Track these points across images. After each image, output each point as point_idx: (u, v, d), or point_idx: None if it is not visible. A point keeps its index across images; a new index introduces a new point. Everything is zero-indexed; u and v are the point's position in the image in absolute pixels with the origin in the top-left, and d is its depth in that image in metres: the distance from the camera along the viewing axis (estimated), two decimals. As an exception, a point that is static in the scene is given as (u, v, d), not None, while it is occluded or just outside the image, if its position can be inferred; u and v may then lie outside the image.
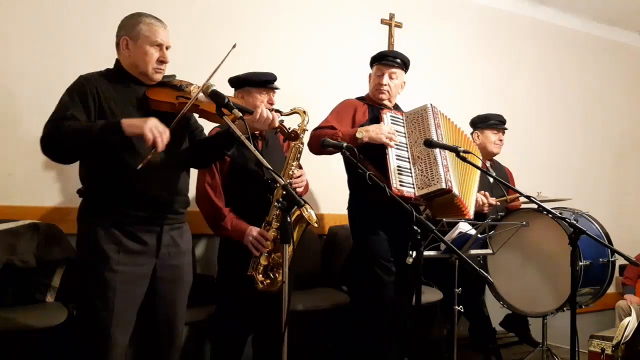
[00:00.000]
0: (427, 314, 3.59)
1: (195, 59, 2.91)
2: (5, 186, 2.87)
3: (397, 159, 2.80)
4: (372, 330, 2.83)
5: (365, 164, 2.56)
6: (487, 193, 3.36)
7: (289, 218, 1.83)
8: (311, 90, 3.69)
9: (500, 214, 3.41)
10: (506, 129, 3.71)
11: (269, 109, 2.32)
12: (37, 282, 2.69)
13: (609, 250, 3.27)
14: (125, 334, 2.04)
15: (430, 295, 3.41)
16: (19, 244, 2.64)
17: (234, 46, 2.03)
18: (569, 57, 5.22)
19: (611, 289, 3.69)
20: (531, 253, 3.29)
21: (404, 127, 2.93)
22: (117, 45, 2.13)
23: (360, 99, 3.06)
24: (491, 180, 3.45)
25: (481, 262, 3.40)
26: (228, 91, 2.52)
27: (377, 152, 2.78)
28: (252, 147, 1.91)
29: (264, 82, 2.67)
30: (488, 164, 3.65)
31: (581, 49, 5.31)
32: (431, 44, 4.39)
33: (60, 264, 2.74)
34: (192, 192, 2.33)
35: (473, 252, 2.94)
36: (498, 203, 3.44)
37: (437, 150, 2.77)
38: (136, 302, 2.06)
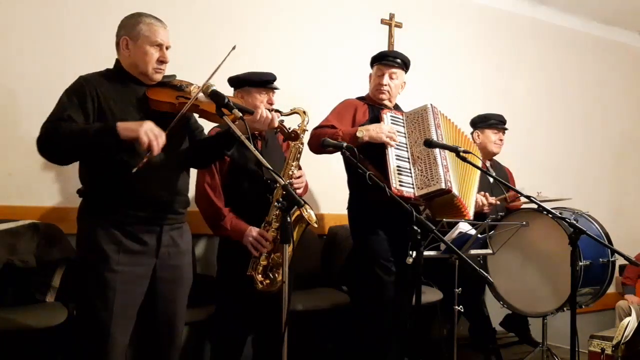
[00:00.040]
0: (427, 314, 3.59)
1: (195, 59, 2.91)
2: (5, 186, 2.87)
3: (397, 159, 2.80)
4: (372, 330, 2.83)
5: (365, 164, 2.56)
6: (487, 194, 3.37)
7: (288, 218, 1.83)
8: (311, 90, 3.69)
9: (500, 214, 3.41)
10: (506, 129, 3.71)
11: (269, 109, 2.32)
12: (37, 282, 2.69)
13: (609, 250, 3.27)
14: (125, 334, 2.04)
15: (430, 295, 3.41)
16: (19, 244, 2.65)
17: (234, 48, 2.03)
18: (569, 57, 5.22)
19: (611, 289, 3.69)
20: (531, 253, 3.29)
21: (404, 127, 2.93)
22: (117, 45, 2.12)
23: (360, 98, 3.06)
24: (491, 180, 3.45)
25: (481, 262, 3.40)
26: (227, 91, 2.52)
27: (376, 152, 2.78)
28: (252, 147, 1.91)
29: (263, 82, 2.67)
30: (488, 163, 3.65)
31: (581, 49, 5.31)
32: (431, 44, 4.39)
33: (60, 264, 2.74)
34: (191, 192, 2.33)
35: (473, 252, 2.94)
36: (498, 202, 3.44)
37: (437, 151, 2.77)
38: (136, 302, 2.06)
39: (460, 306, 2.83)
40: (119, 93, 2.07)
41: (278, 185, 2.45)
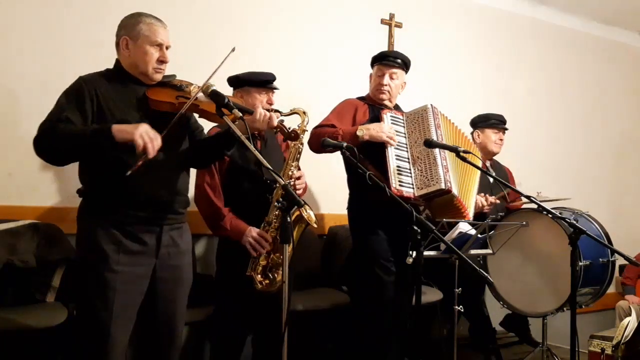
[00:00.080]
0: (427, 314, 3.59)
1: (195, 59, 2.91)
2: (5, 186, 2.87)
3: (397, 159, 2.80)
4: (372, 330, 2.83)
5: (365, 163, 2.56)
6: (487, 195, 3.37)
7: (288, 218, 1.83)
8: (311, 90, 3.69)
9: (500, 214, 3.41)
10: (506, 128, 3.71)
11: (269, 109, 2.32)
12: (37, 282, 2.69)
13: (609, 250, 3.26)
14: (125, 333, 2.04)
15: (430, 295, 3.41)
16: (19, 244, 2.65)
17: (233, 49, 2.03)
18: (569, 57, 5.22)
19: (611, 289, 3.69)
20: (531, 253, 3.29)
21: (404, 127, 2.93)
22: (117, 45, 2.12)
23: (360, 98, 3.06)
24: (491, 180, 3.45)
25: (481, 262, 3.40)
26: (227, 91, 2.52)
27: (376, 152, 2.78)
28: (252, 147, 1.91)
29: (263, 82, 2.67)
30: (488, 163, 3.65)
31: (581, 49, 5.31)
32: (431, 44, 4.39)
33: (60, 264, 2.75)
34: (191, 192, 2.33)
35: (473, 252, 2.94)
36: (498, 201, 3.44)
37: (436, 151, 2.77)
38: (136, 302, 2.06)
39: (460, 306, 2.83)
40: (119, 93, 2.07)
41: (278, 185, 2.45)
